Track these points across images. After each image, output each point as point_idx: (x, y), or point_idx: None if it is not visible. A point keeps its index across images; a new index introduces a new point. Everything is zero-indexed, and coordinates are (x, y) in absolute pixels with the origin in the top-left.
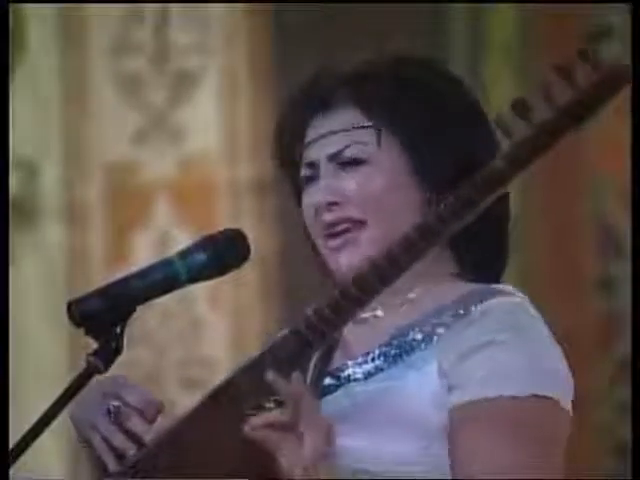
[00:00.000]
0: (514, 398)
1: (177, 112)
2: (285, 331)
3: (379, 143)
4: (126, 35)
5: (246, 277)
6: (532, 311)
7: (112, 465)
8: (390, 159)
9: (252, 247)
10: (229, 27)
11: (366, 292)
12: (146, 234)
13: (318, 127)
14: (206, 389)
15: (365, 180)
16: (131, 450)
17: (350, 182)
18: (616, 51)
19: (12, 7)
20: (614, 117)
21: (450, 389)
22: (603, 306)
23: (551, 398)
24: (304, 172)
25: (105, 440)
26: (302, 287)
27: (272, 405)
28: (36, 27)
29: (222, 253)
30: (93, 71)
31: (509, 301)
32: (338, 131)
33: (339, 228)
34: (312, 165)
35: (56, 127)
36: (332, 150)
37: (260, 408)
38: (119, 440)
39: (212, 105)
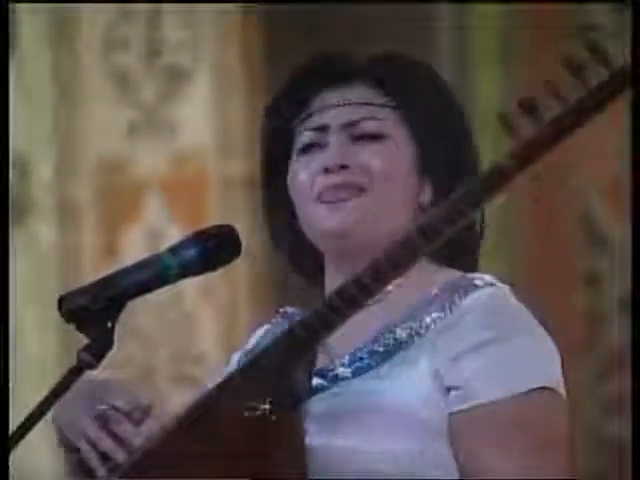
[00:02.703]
0: (519, 396)
1: (169, 108)
2: (280, 331)
3: (396, 124)
4: (118, 31)
5: (237, 273)
6: (514, 300)
7: (100, 470)
8: (402, 143)
9: (243, 243)
10: (222, 22)
11: (364, 292)
12: (138, 230)
13: (329, 97)
14: (198, 384)
15: (378, 152)
16: (119, 455)
17: (363, 151)
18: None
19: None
20: (598, 115)
21: (448, 391)
22: (589, 301)
23: (550, 388)
24: (306, 138)
25: (93, 445)
26: (292, 282)
27: (268, 406)
28: (27, 23)
29: (213, 249)
30: (85, 67)
31: (494, 294)
32: (354, 103)
33: (342, 193)
34: (321, 129)
35: (48, 124)
36: (347, 119)
37: (256, 409)
38: (108, 445)
39: (204, 101)
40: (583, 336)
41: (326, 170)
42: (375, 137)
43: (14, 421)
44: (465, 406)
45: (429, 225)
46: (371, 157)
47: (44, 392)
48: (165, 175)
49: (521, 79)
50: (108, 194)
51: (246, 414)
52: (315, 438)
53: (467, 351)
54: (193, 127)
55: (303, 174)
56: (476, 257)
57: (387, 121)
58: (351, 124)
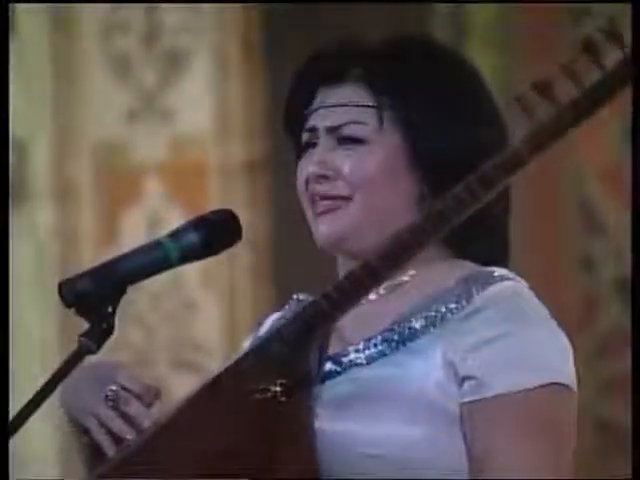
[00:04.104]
0: (527, 391)
1: (168, 92)
2: (292, 314)
3: (381, 125)
4: (116, 15)
5: (237, 258)
6: (532, 296)
7: (110, 451)
8: (389, 144)
9: (243, 228)
10: (220, 6)
11: (373, 276)
12: (137, 215)
13: (325, 96)
14: (197, 371)
15: (359, 160)
16: (129, 435)
17: (344, 159)
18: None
19: None
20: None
21: (462, 382)
22: (584, 284)
23: (564, 384)
24: (304, 138)
25: (103, 425)
26: (294, 268)
27: (278, 389)
28: (27, 8)
29: (213, 233)
30: (84, 51)
31: (512, 288)
32: (342, 105)
33: (325, 202)
34: (312, 130)
35: (47, 108)
36: (332, 123)
37: (266, 391)
38: (118, 425)
39: (203, 85)
40: (579, 319)
41: (307, 181)
42: (359, 141)
43: (14, 406)
44: (479, 397)
45: (441, 208)
46: (351, 165)
47: (44, 377)
48: (164, 159)
49: (519, 70)
50: (107, 178)
51: (257, 396)
52: (326, 423)
53: (483, 343)
54: (192, 111)
55: (300, 176)
56: (505, 250)
57: (371, 124)
58: (336, 128)
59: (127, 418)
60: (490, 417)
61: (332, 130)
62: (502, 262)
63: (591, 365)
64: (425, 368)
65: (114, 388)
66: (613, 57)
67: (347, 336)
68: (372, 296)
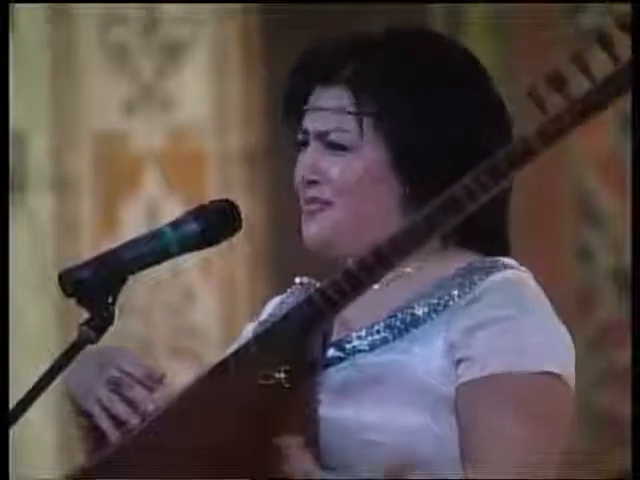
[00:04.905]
0: (524, 374)
1: (167, 82)
2: (298, 301)
3: (361, 132)
4: (115, 5)
5: (236, 247)
6: (535, 285)
7: (112, 434)
8: (372, 151)
9: (242, 217)
10: None
11: (383, 264)
12: (136, 204)
13: (317, 97)
14: (197, 359)
15: (343, 167)
16: (133, 419)
17: (331, 164)
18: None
19: None
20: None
21: (458, 363)
22: (582, 275)
23: (558, 374)
24: (299, 137)
25: (105, 409)
26: (292, 257)
27: (282, 375)
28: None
29: (214, 224)
30: (82, 41)
31: (514, 275)
32: (328, 109)
33: (314, 205)
34: (305, 132)
35: (45, 97)
36: (320, 128)
37: (270, 378)
38: (121, 409)
39: (202, 75)
40: (577, 310)
41: (299, 184)
42: (344, 148)
43: (13, 395)
44: (471, 377)
45: (451, 199)
46: (336, 171)
47: (43, 366)
48: (163, 149)
49: (516, 61)
50: (106, 168)
51: (261, 382)
52: (329, 409)
53: (481, 325)
54: (191, 101)
55: (296, 176)
56: (505, 240)
57: (354, 131)
58: (323, 134)
59: (130, 402)
60: (482, 397)
61: (320, 135)
62: (503, 253)
63: (589, 356)
64: (428, 354)
65: (117, 374)
66: (626, 50)
67: (350, 322)
68: (375, 286)
